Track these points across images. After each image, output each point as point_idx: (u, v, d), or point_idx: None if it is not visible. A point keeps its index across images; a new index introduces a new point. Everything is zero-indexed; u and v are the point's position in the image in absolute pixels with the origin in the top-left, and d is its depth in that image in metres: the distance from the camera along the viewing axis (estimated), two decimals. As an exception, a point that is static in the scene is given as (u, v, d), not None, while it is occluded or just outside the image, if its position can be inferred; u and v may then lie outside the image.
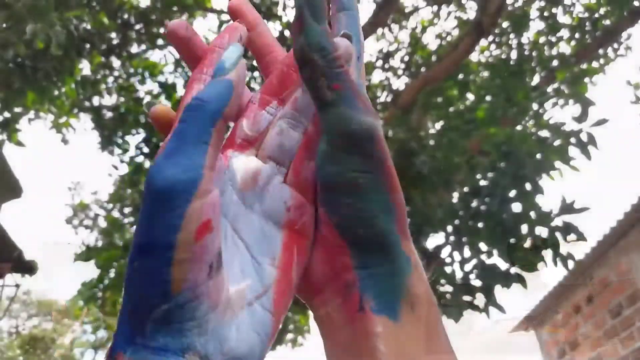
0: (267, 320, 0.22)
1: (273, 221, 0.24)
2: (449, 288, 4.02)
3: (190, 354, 0.19)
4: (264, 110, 0.26)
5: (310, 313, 0.26)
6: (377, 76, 5.83)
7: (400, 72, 5.64)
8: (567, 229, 3.61)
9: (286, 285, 0.24)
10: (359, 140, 0.22)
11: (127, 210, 5.60)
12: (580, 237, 3.59)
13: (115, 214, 5.59)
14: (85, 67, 4.86)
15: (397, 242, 0.23)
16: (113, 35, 4.75)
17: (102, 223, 5.79)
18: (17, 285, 5.49)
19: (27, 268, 5.17)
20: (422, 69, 5.37)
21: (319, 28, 0.23)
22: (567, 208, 3.59)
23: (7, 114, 4.21)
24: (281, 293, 0.23)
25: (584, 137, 3.74)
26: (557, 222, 3.65)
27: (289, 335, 11.39)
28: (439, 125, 4.89)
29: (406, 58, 5.68)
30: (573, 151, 3.79)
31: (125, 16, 4.80)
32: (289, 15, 5.67)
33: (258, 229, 0.24)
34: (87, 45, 4.30)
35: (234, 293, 0.21)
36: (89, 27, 4.06)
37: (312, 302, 0.25)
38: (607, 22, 5.03)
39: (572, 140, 3.77)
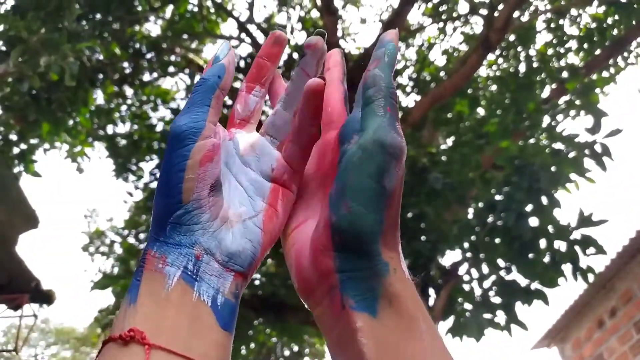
0: (257, 233, 0.30)
1: (263, 176, 0.33)
2: (468, 306, 3.94)
3: (197, 247, 0.27)
4: (251, 94, 0.36)
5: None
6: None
7: (409, 89, 5.66)
8: (586, 242, 3.54)
9: (273, 213, 0.32)
10: (388, 153, 0.27)
11: (142, 236, 5.62)
12: (600, 250, 3.52)
13: (131, 240, 5.62)
14: (99, 97, 4.95)
15: (378, 251, 0.26)
16: (125, 64, 4.84)
17: (118, 250, 5.82)
18: (35, 316, 5.50)
19: (45, 298, 5.19)
20: (431, 86, 5.38)
21: (391, 71, 0.31)
22: (585, 221, 3.53)
23: (23, 146, 4.28)
24: (269, 218, 0.31)
25: (598, 148, 3.69)
26: (576, 235, 3.59)
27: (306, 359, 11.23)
28: (450, 140, 4.87)
29: (414, 75, 5.70)
30: (588, 163, 3.74)
31: (137, 46, 4.89)
32: (297, 38, 5.74)
33: (253, 179, 0.33)
34: (100, 75, 4.39)
35: (232, 214, 0.30)
36: (101, 57, 4.15)
37: (308, 303, 0.30)
38: (616, 31, 5.01)
39: (587, 151, 3.73)
